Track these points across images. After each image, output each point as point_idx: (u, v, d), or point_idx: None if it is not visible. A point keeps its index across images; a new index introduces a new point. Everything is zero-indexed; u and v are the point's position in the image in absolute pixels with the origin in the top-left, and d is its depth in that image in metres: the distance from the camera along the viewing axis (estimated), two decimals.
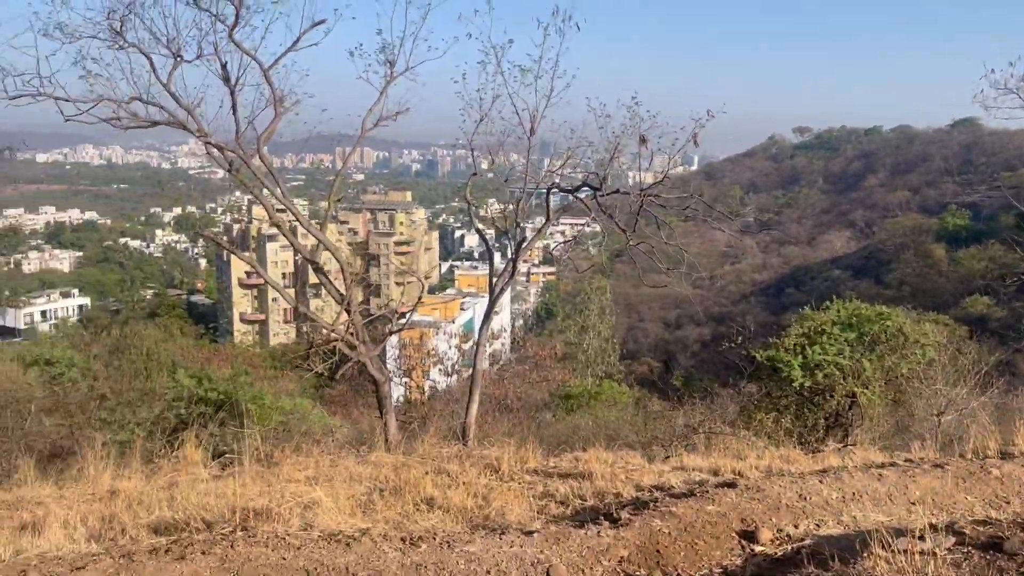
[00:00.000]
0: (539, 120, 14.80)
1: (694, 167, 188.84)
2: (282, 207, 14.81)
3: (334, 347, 14.02)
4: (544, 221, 15.35)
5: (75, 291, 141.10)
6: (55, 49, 11.90)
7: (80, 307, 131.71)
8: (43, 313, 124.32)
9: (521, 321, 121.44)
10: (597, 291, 63.85)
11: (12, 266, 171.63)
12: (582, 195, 14.95)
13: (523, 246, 15.49)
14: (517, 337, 50.73)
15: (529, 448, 9.90)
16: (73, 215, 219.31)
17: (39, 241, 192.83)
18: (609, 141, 14.11)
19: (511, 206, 16.39)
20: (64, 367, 22.34)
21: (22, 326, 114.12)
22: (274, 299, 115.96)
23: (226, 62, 13.15)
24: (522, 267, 16.47)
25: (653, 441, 16.19)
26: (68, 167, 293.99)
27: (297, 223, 15.09)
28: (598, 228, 19.04)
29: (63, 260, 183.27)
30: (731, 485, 7.06)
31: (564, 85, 14.21)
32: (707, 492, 6.80)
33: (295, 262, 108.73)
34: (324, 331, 15.47)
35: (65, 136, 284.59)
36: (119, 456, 10.69)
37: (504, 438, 11.37)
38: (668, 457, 11.46)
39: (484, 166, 16.04)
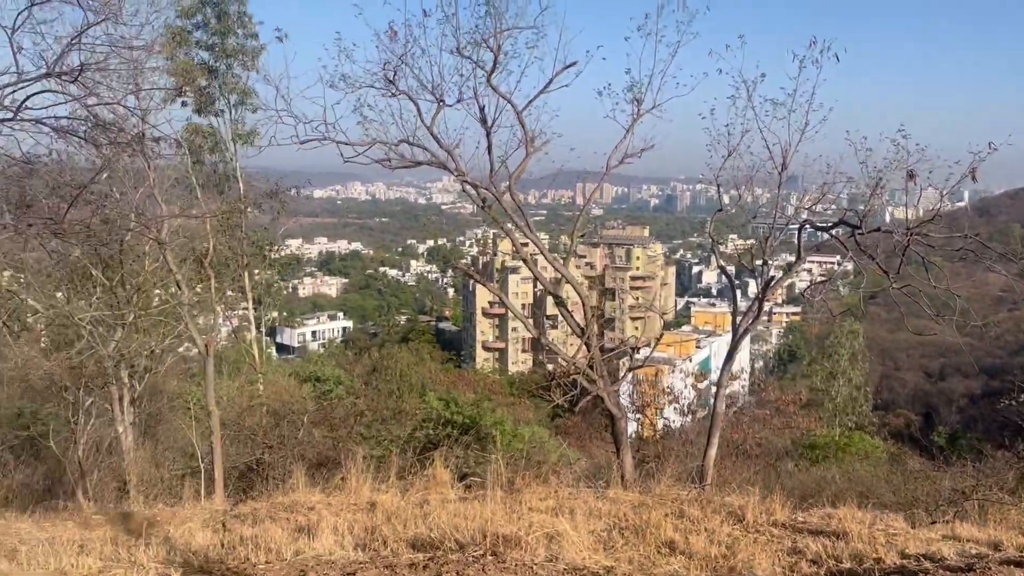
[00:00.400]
0: (791, 155, 14.22)
1: (963, 202, 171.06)
2: (526, 241, 15.38)
3: (574, 379, 14.23)
4: (794, 259, 14.63)
5: (340, 314, 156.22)
6: (339, 98, 13.24)
7: (344, 329, 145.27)
8: (313, 333, 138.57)
9: (761, 363, 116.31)
10: (849, 335, 59.39)
11: (290, 290, 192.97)
12: (838, 233, 14.08)
13: (771, 285, 14.85)
14: (757, 380, 48.62)
15: (775, 499, 9.38)
16: (341, 245, 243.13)
17: (313, 268, 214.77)
18: (870, 176, 13.21)
19: (756, 242, 15.82)
20: (332, 384, 24.62)
21: (296, 344, 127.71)
22: (513, 328, 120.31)
23: (484, 105, 13.90)
24: (765, 306, 15.79)
25: (914, 503, 14.69)
26: (339, 202, 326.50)
27: (538, 256, 15.59)
28: (849, 267, 17.82)
29: (332, 286, 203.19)
30: (1019, 564, 6.21)
31: (820, 118, 13.56)
32: (989, 569, 6.04)
33: (534, 294, 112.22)
34: (563, 363, 15.77)
35: (338, 175, 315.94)
36: (375, 470, 11.51)
37: (746, 485, 10.88)
38: (934, 523, 10.35)
39: (726, 200, 15.66)
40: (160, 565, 6.69)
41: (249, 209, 29.38)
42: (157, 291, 19.16)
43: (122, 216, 13.25)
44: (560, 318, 15.51)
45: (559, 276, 15.71)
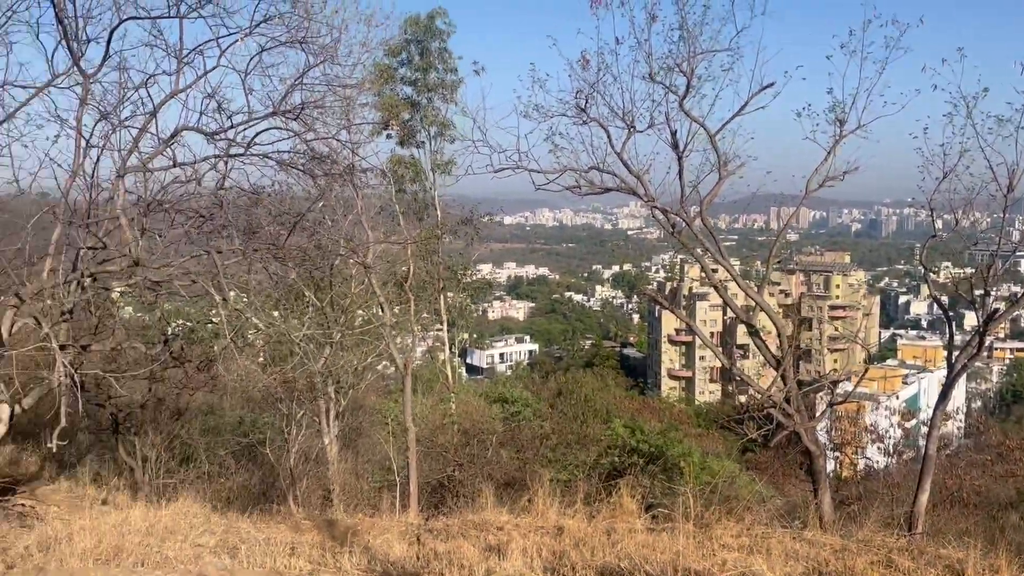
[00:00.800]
0: (1019, 176, 12.94)
1: None
2: (717, 267, 14.97)
3: (768, 413, 13.62)
4: (1021, 291, 13.27)
5: (527, 337, 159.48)
6: (531, 128, 13.63)
7: (530, 352, 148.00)
8: (501, 355, 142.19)
9: (979, 403, 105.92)
10: None
11: (480, 313, 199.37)
12: None
13: (994, 318, 13.51)
14: (975, 421, 44.27)
15: (1000, 554, 8.44)
16: (529, 270, 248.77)
17: (501, 292, 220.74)
18: None
19: (976, 271, 14.50)
20: (520, 406, 25.07)
21: (484, 365, 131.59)
22: (701, 357, 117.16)
23: (675, 130, 13.73)
24: (985, 340, 14.39)
25: None
26: (528, 228, 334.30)
27: (730, 282, 15.11)
28: None
29: (519, 309, 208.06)
30: None
31: None
32: None
33: (724, 322, 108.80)
34: (756, 395, 15.14)
35: (527, 201, 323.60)
36: (561, 494, 11.55)
37: (964, 537, 9.89)
38: None
39: (939, 225, 14.48)
40: (363, 573, 7.10)
41: (445, 235, 30.72)
42: (360, 312, 20.35)
43: (333, 242, 14.27)
44: (752, 348, 14.93)
45: (752, 304, 15.16)
